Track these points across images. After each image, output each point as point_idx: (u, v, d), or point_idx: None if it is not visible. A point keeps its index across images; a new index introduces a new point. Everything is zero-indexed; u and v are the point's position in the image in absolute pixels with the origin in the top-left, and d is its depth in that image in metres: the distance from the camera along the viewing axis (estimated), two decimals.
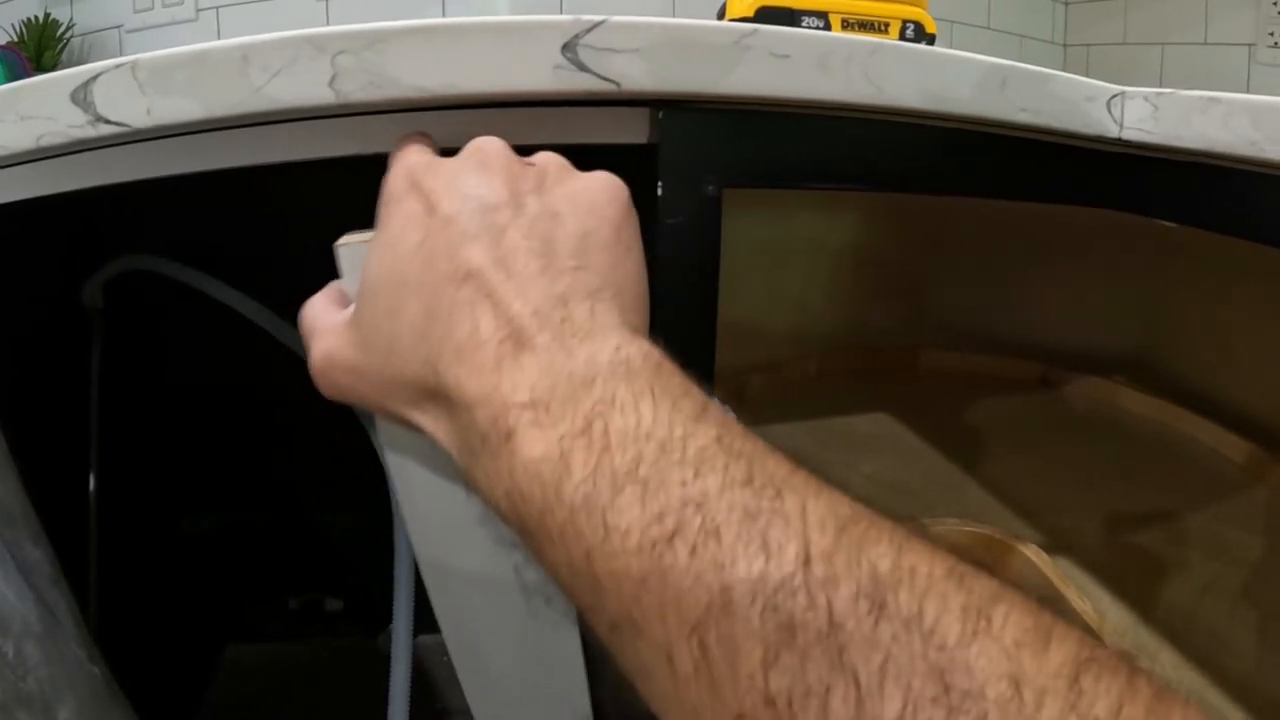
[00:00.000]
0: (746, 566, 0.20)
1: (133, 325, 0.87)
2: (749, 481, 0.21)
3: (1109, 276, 0.95)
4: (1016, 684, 0.18)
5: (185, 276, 0.79)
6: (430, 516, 0.41)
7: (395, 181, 0.31)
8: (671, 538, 0.21)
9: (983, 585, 0.20)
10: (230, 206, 0.77)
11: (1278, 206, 0.42)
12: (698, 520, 0.21)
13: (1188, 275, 0.88)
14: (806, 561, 0.20)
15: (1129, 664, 0.19)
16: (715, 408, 0.24)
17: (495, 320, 0.26)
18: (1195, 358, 0.89)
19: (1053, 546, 0.58)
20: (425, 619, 0.79)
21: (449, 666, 1.14)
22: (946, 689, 0.18)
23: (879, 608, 0.19)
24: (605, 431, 0.23)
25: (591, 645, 0.45)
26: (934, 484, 0.69)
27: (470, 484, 0.26)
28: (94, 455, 0.84)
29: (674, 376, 0.25)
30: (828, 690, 0.19)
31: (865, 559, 0.20)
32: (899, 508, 0.63)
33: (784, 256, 0.93)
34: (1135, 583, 0.57)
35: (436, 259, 0.28)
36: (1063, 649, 0.19)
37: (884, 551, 0.20)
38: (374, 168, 0.42)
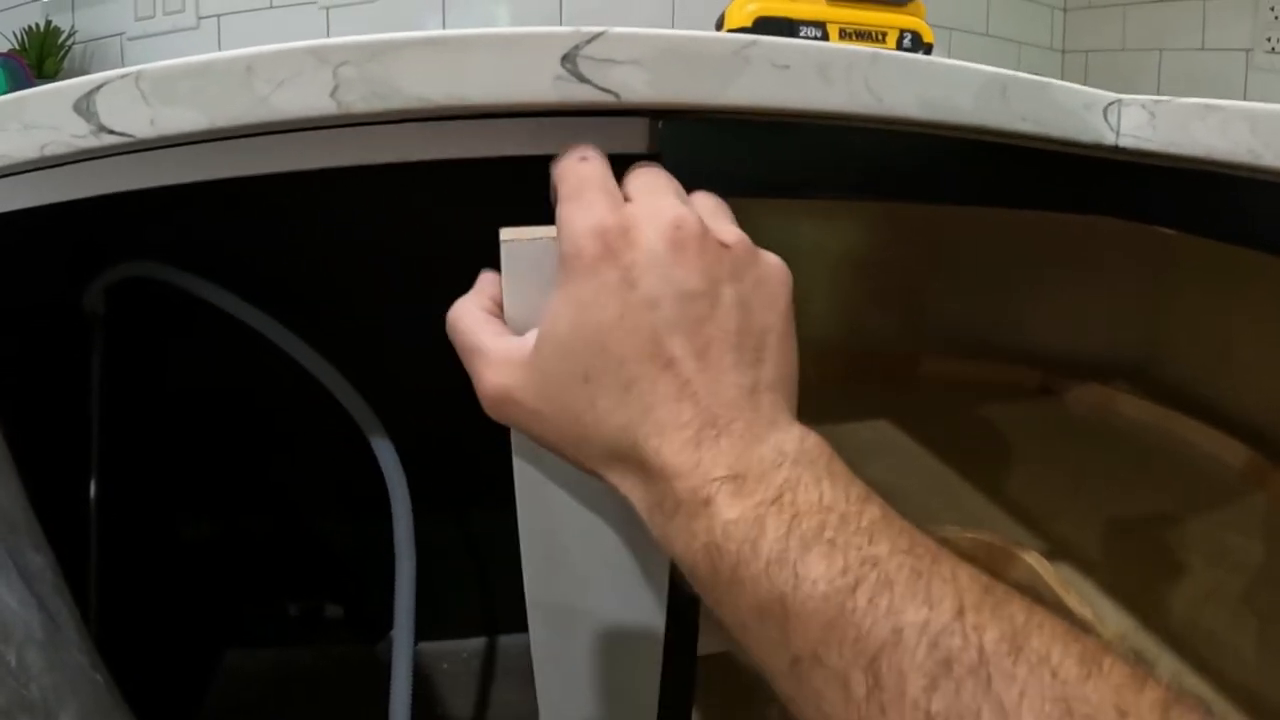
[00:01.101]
0: (914, 613, 0.25)
1: (133, 331, 0.87)
2: (911, 549, 0.27)
3: (1109, 283, 0.95)
4: (1123, 713, 0.23)
5: (186, 282, 0.79)
6: (546, 544, 0.43)
7: (586, 240, 0.32)
8: (854, 588, 0.26)
9: (1093, 640, 0.25)
10: (231, 212, 0.77)
11: (1276, 213, 0.42)
12: (874, 575, 0.26)
13: (1187, 282, 0.88)
14: (960, 611, 0.25)
15: (1205, 707, 0.24)
16: (873, 491, 0.30)
17: (695, 407, 0.30)
18: (1195, 364, 0.89)
19: (1053, 553, 0.58)
20: (425, 627, 0.79)
21: (449, 674, 1.15)
22: (1070, 713, 0.23)
23: (1017, 650, 0.24)
24: (794, 503, 0.28)
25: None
26: (934, 490, 0.69)
27: (660, 537, 0.31)
28: (95, 461, 0.84)
29: (841, 464, 0.30)
30: (978, 712, 0.23)
31: (1005, 612, 0.25)
32: (899, 515, 0.63)
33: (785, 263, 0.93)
34: (1136, 589, 0.57)
35: (638, 339, 0.31)
36: (1155, 691, 0.23)
37: (1019, 609, 0.25)
38: (373, 176, 0.42)
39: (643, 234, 0.32)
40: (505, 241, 0.36)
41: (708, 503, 0.29)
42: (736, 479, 0.29)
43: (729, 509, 0.28)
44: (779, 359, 0.33)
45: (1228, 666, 0.50)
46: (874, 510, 0.28)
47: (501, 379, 0.34)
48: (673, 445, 0.30)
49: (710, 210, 0.35)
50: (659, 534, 0.31)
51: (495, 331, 0.36)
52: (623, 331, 0.31)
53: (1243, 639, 0.53)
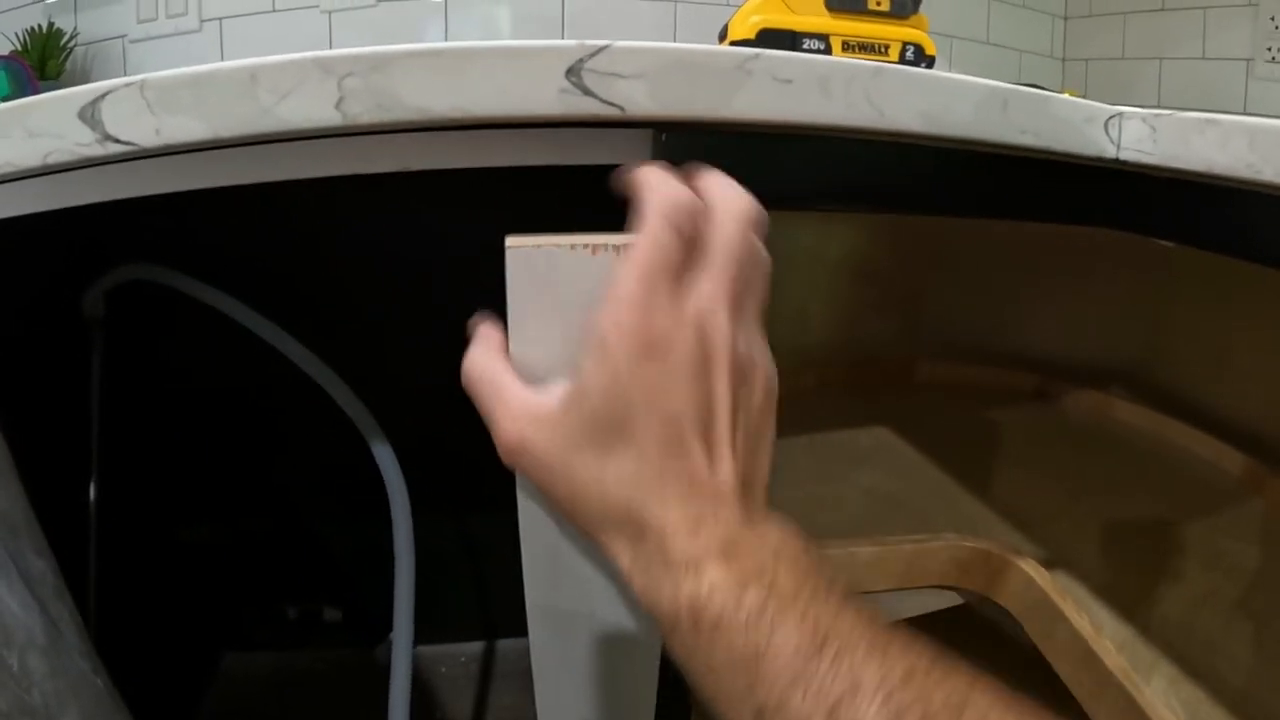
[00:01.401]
0: (872, 673, 0.29)
1: (133, 334, 0.87)
2: (872, 624, 0.31)
3: (1106, 290, 0.95)
4: None
5: (186, 286, 0.79)
6: (548, 551, 0.44)
7: (639, 333, 0.34)
8: (820, 649, 0.29)
9: (1032, 707, 0.29)
10: (231, 216, 0.77)
11: (1273, 226, 0.42)
12: (839, 642, 0.30)
13: (1184, 289, 0.88)
14: (911, 674, 0.29)
15: None
16: (837, 577, 0.33)
17: (700, 493, 0.34)
18: (1192, 371, 0.89)
19: (1050, 559, 0.58)
20: (424, 630, 0.79)
21: (447, 678, 1.15)
22: None
23: (960, 709, 0.28)
24: (776, 580, 0.31)
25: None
26: (931, 497, 0.69)
27: (642, 591, 0.34)
28: (95, 464, 0.85)
29: (815, 554, 0.34)
30: None
31: (952, 680, 0.29)
32: (897, 521, 0.63)
33: (782, 270, 0.93)
34: (1132, 595, 0.57)
35: (662, 427, 0.34)
36: None
37: (964, 677, 0.29)
38: (374, 181, 0.42)
39: (688, 341, 0.34)
40: (511, 249, 0.36)
41: (698, 567, 0.32)
42: (726, 552, 0.32)
43: (717, 573, 0.32)
44: (762, 459, 0.37)
45: (1224, 671, 0.50)
46: (840, 590, 0.32)
47: (520, 429, 0.36)
48: (675, 518, 0.33)
49: (755, 305, 0.38)
50: (641, 587, 0.34)
51: (514, 380, 0.37)
52: (651, 417, 0.34)
53: (1239, 644, 0.53)
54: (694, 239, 0.35)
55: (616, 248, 0.36)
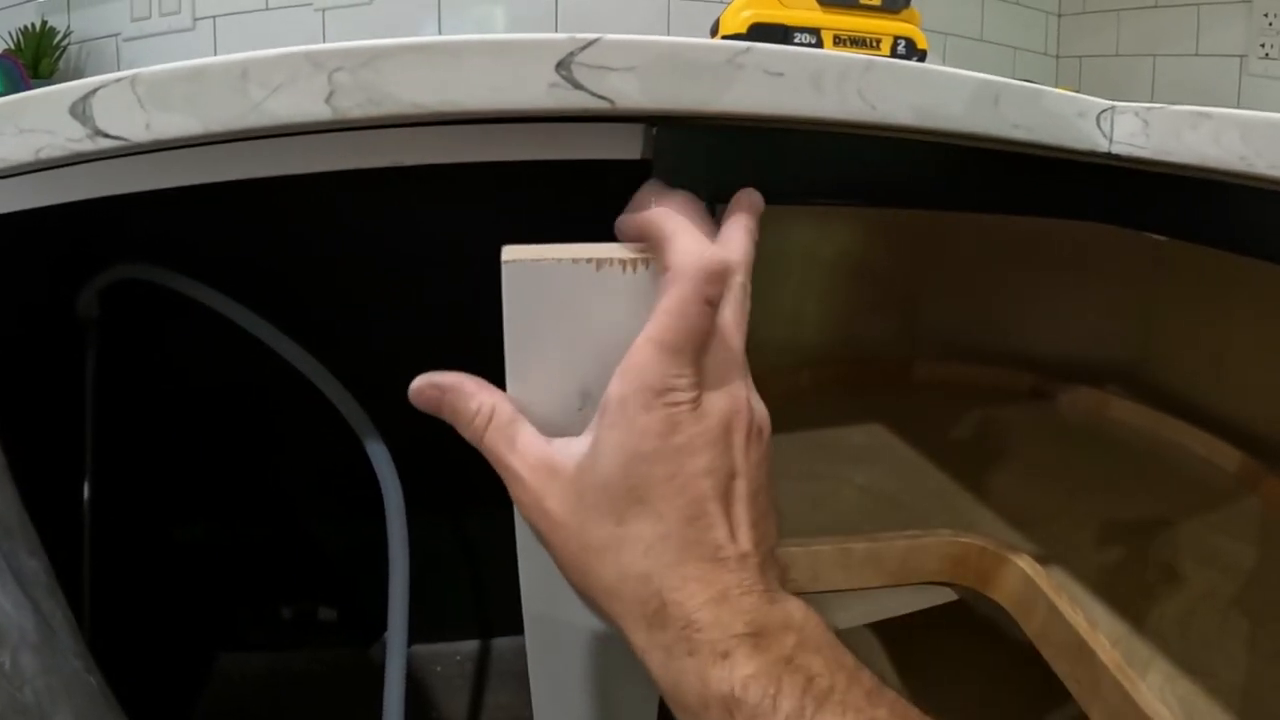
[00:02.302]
0: None
1: (127, 333, 0.87)
2: (906, 715, 0.31)
3: (1101, 287, 0.95)
4: None
5: (180, 285, 0.79)
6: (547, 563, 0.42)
7: (662, 402, 0.34)
8: None
9: None
10: (225, 214, 0.77)
11: (1267, 221, 0.42)
12: None
13: (1179, 286, 0.88)
14: None
15: None
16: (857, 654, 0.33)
17: (722, 570, 0.33)
18: (1187, 368, 0.89)
19: (1045, 556, 0.58)
20: (419, 629, 0.79)
21: (443, 677, 1.15)
22: None
23: None
24: (807, 665, 0.31)
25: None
26: (927, 495, 0.69)
27: (662, 676, 0.33)
28: (89, 463, 0.84)
29: (832, 633, 0.33)
30: None
31: None
32: (893, 519, 0.63)
33: (777, 268, 0.94)
34: (1128, 592, 0.57)
35: (683, 501, 0.33)
36: None
37: None
38: (368, 177, 0.42)
39: (712, 411, 0.34)
40: (508, 262, 0.35)
41: (727, 655, 0.31)
42: (754, 636, 0.31)
43: (747, 664, 0.31)
44: (772, 527, 0.36)
45: (1220, 668, 0.50)
46: (868, 676, 0.32)
47: (537, 485, 0.36)
48: (697, 600, 0.32)
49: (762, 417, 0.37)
50: (660, 669, 0.33)
51: (529, 429, 0.37)
52: (671, 490, 0.33)
53: (1235, 640, 0.53)
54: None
55: (624, 263, 0.35)
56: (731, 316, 0.36)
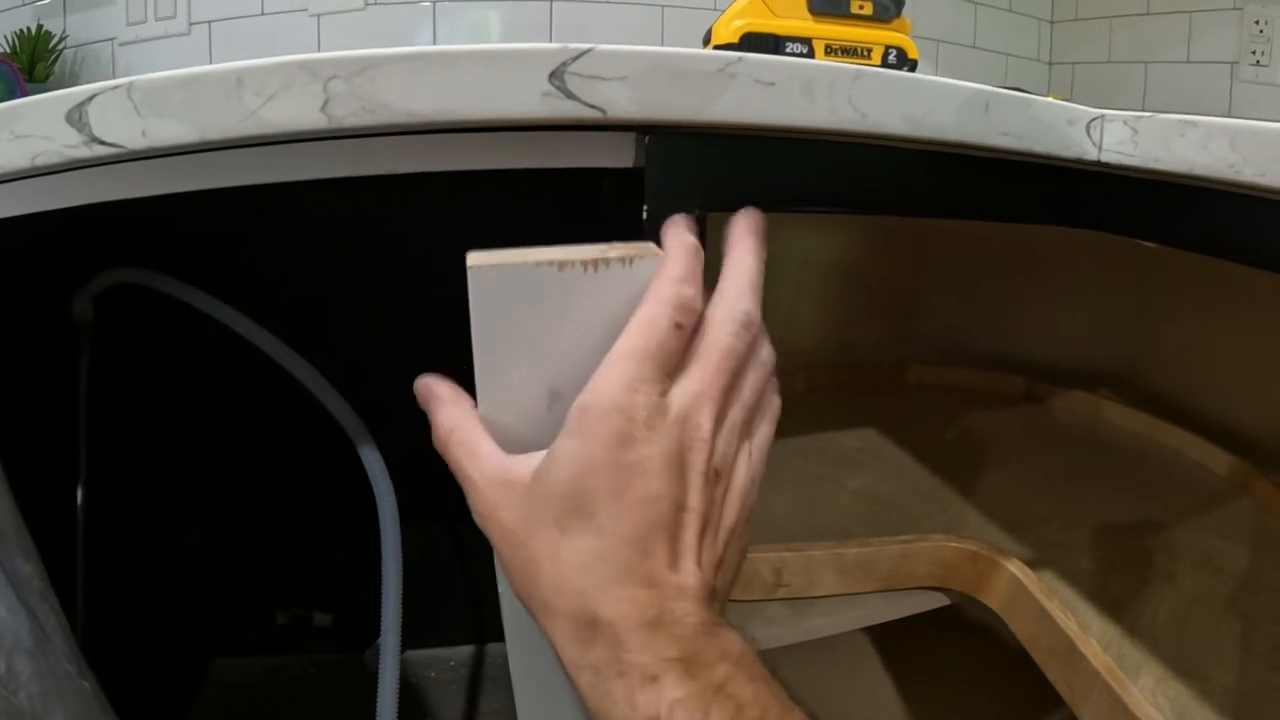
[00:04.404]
0: None
1: (121, 338, 0.87)
2: None
3: (1093, 292, 0.96)
4: None
5: (174, 290, 0.79)
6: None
7: (619, 414, 0.33)
8: None
9: None
10: (220, 219, 0.78)
11: (1255, 227, 0.43)
12: None
13: (1171, 290, 0.89)
14: None
15: None
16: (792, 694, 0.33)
17: (659, 596, 0.32)
18: (1179, 372, 0.89)
19: (1037, 560, 0.59)
20: (413, 635, 0.79)
21: (437, 682, 1.15)
22: None
23: None
24: (736, 695, 0.30)
25: None
26: (920, 498, 0.69)
27: (590, 695, 0.32)
28: (82, 468, 0.84)
29: (759, 661, 0.33)
30: None
31: None
32: (886, 523, 0.64)
33: (772, 274, 0.94)
34: (1120, 595, 0.57)
35: (628, 522, 0.33)
36: None
37: None
38: (363, 184, 0.42)
39: (667, 436, 0.34)
40: (472, 269, 0.35)
41: (655, 679, 0.31)
42: (685, 663, 0.31)
43: (675, 689, 0.30)
44: (728, 571, 0.36)
45: (1212, 670, 0.50)
46: (799, 714, 0.32)
47: (494, 495, 0.35)
48: (629, 621, 0.32)
49: (741, 414, 0.37)
50: (589, 688, 0.32)
51: (490, 443, 0.37)
52: (616, 508, 0.33)
53: (1227, 643, 0.54)
54: (694, 330, 0.35)
55: (585, 264, 0.35)
56: (715, 355, 0.35)
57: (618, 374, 0.34)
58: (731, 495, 0.36)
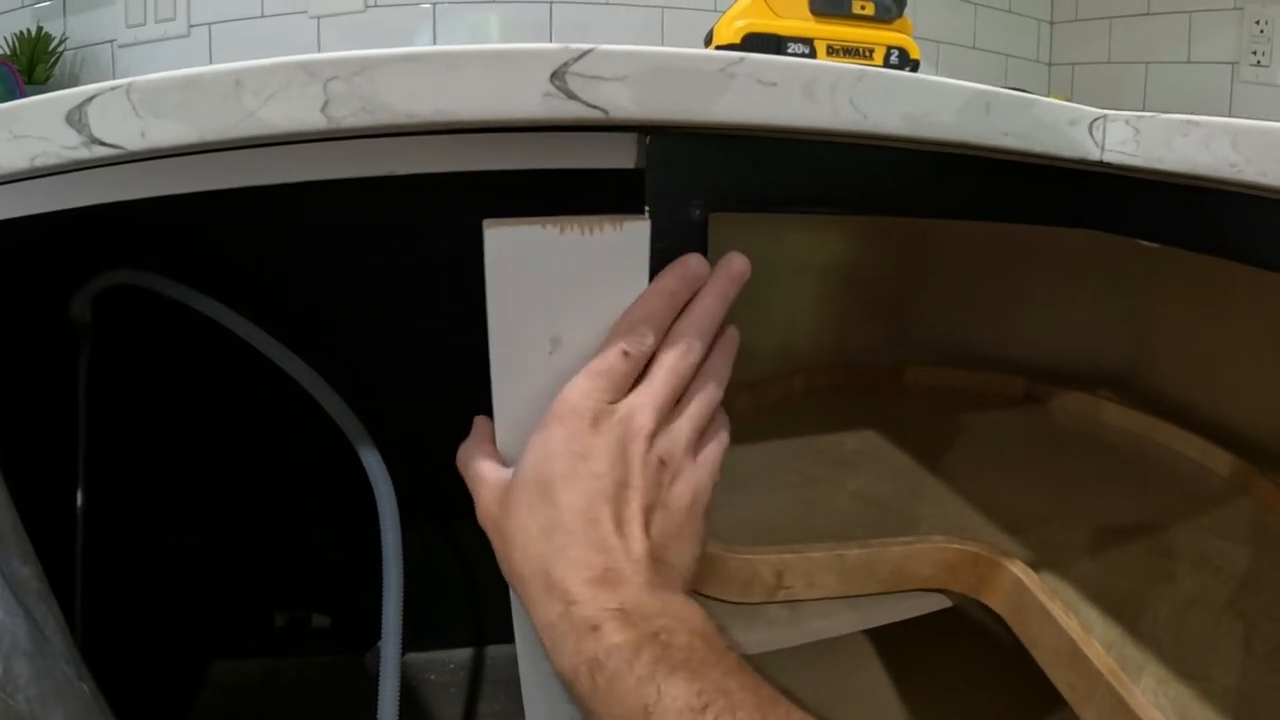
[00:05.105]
0: None
1: (120, 339, 0.87)
2: (757, 691, 0.34)
3: (1093, 292, 0.96)
4: None
5: (174, 291, 0.79)
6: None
7: (571, 410, 0.41)
8: (705, 708, 0.32)
9: None
10: (220, 220, 0.77)
11: (1256, 227, 0.43)
12: (722, 702, 0.33)
13: (1171, 290, 0.89)
14: None
15: None
16: (736, 646, 0.37)
17: (604, 557, 0.38)
18: (1178, 372, 0.89)
19: (1038, 561, 0.59)
20: (412, 637, 0.79)
21: (436, 684, 1.15)
22: None
23: None
24: (669, 642, 0.35)
25: None
26: (920, 499, 0.69)
27: (550, 649, 0.37)
28: (81, 470, 0.84)
29: (714, 627, 0.37)
30: None
31: None
32: (885, 524, 0.63)
33: (770, 275, 0.94)
34: (1121, 596, 0.57)
35: (575, 495, 0.39)
36: None
37: None
38: (364, 185, 0.42)
39: (612, 429, 0.41)
40: (488, 231, 0.40)
41: (597, 628, 0.35)
42: (624, 613, 0.36)
43: (614, 635, 0.35)
44: (682, 547, 0.42)
45: (1214, 671, 0.50)
46: (733, 659, 0.36)
47: (490, 497, 0.43)
48: (577, 579, 0.37)
49: (688, 424, 0.43)
50: (549, 646, 0.37)
51: (492, 464, 0.44)
52: (568, 486, 0.39)
53: (1228, 643, 0.53)
54: (645, 355, 0.42)
55: (583, 227, 0.41)
56: (660, 374, 0.42)
57: (577, 386, 0.41)
58: (680, 483, 0.42)
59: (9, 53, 1.17)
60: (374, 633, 0.77)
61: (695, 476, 0.43)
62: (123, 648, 0.84)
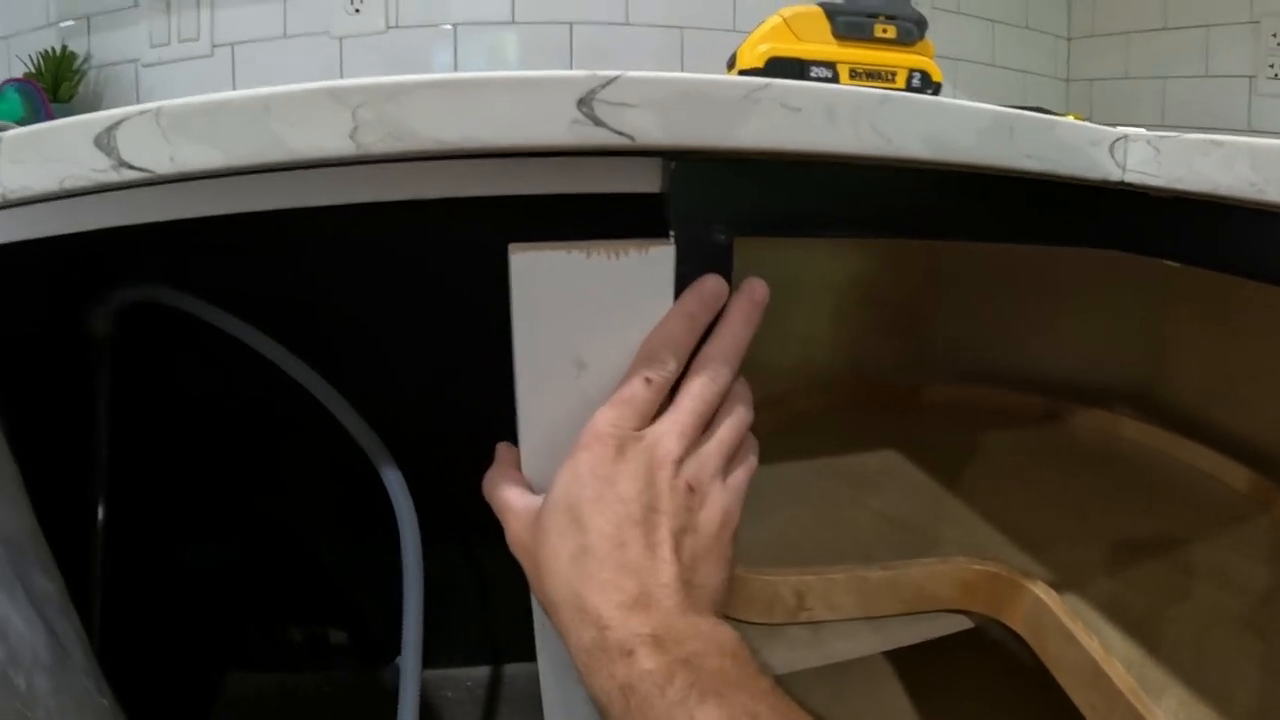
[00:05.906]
0: None
1: (140, 354, 0.88)
2: (788, 713, 0.34)
3: (1113, 310, 0.95)
4: None
5: (194, 307, 0.79)
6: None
7: (597, 437, 0.41)
8: None
9: None
10: (240, 237, 0.78)
11: (1278, 246, 0.43)
12: None
13: (1190, 308, 0.88)
14: None
15: None
16: (767, 669, 0.37)
17: (635, 581, 0.38)
18: (1199, 389, 0.89)
19: (1059, 580, 0.58)
20: (429, 654, 0.79)
21: (452, 702, 1.15)
22: None
23: None
24: (701, 667, 0.35)
25: None
26: (941, 519, 0.68)
27: (583, 672, 0.38)
28: (102, 483, 0.85)
29: (747, 650, 0.38)
30: None
31: None
32: (908, 544, 0.63)
33: (791, 293, 0.94)
34: (1141, 615, 0.56)
35: (604, 520, 0.40)
36: None
37: None
38: (387, 205, 0.43)
39: (638, 456, 0.41)
40: (514, 254, 0.41)
41: (630, 653, 0.36)
42: (656, 639, 0.36)
43: (648, 660, 0.35)
44: (711, 570, 0.41)
45: (1235, 691, 0.50)
46: (765, 683, 0.36)
47: (519, 526, 0.44)
48: (609, 604, 0.37)
49: (717, 449, 0.44)
50: (584, 671, 0.38)
51: (519, 491, 0.45)
52: (597, 510, 0.40)
53: (1249, 662, 0.53)
54: (668, 381, 0.43)
55: (609, 252, 0.41)
56: (685, 402, 0.43)
57: (603, 415, 0.42)
58: (709, 507, 0.42)
59: (34, 71, 1.18)
60: (390, 649, 0.77)
61: (724, 500, 0.43)
62: (140, 661, 0.85)
